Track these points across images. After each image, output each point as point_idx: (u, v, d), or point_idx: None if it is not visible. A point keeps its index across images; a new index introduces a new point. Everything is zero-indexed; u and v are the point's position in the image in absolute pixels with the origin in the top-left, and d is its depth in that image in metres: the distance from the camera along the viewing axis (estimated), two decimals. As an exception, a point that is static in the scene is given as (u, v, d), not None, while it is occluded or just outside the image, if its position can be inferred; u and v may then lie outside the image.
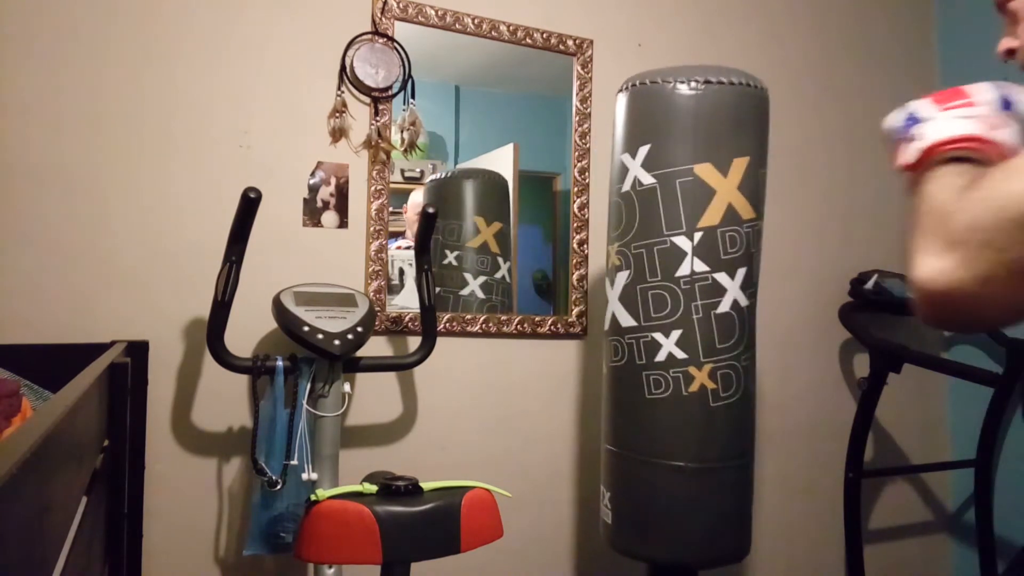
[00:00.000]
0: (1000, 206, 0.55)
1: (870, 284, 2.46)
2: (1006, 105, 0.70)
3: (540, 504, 2.13)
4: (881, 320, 2.53)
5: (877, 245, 2.65)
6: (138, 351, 1.62)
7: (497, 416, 2.09)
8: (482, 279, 2.09)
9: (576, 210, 2.17)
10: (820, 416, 2.55)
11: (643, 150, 1.62)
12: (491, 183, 2.14)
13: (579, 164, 2.17)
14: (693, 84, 1.57)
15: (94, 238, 1.68)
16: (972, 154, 0.66)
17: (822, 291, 2.56)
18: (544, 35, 2.15)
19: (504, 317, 2.08)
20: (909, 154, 0.70)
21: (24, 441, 0.54)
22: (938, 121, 0.69)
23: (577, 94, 2.19)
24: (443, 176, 2.08)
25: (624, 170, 1.67)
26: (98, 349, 1.50)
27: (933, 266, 0.58)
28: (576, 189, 2.17)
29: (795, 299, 2.53)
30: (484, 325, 2.05)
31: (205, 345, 1.63)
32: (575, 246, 2.17)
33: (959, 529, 2.74)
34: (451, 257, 2.07)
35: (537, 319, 2.12)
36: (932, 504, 2.78)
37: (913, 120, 0.72)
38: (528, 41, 2.13)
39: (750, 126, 1.62)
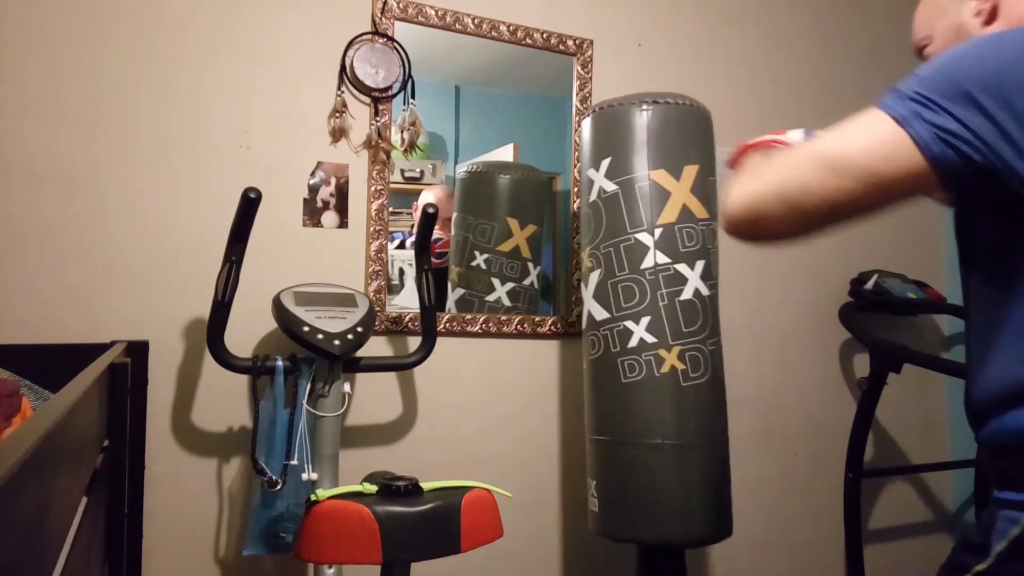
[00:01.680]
0: (769, 178, 0.90)
1: (870, 284, 2.46)
2: (808, 134, 1.08)
3: (541, 504, 2.13)
4: (881, 320, 2.54)
5: (877, 245, 2.65)
6: (138, 351, 1.62)
7: (497, 416, 2.09)
8: (510, 285, 1.98)
9: (576, 210, 2.17)
10: (820, 416, 2.55)
11: (605, 162, 1.79)
12: (529, 181, 2.01)
13: (579, 164, 2.17)
14: (644, 106, 1.76)
15: (94, 238, 1.68)
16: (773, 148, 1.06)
17: (822, 291, 2.56)
18: (544, 35, 2.15)
19: (504, 317, 2.08)
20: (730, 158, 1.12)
21: (24, 441, 0.54)
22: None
23: (577, 94, 2.19)
24: (476, 169, 1.94)
25: (590, 183, 1.83)
26: (98, 349, 1.50)
27: (734, 199, 0.92)
28: (576, 189, 2.17)
29: (795, 299, 2.53)
30: (484, 325, 2.05)
31: (205, 345, 1.63)
32: (575, 246, 2.17)
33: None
34: (480, 259, 1.97)
35: (537, 319, 2.12)
36: (932, 504, 2.78)
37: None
38: (528, 41, 2.13)
39: (695, 140, 1.80)
